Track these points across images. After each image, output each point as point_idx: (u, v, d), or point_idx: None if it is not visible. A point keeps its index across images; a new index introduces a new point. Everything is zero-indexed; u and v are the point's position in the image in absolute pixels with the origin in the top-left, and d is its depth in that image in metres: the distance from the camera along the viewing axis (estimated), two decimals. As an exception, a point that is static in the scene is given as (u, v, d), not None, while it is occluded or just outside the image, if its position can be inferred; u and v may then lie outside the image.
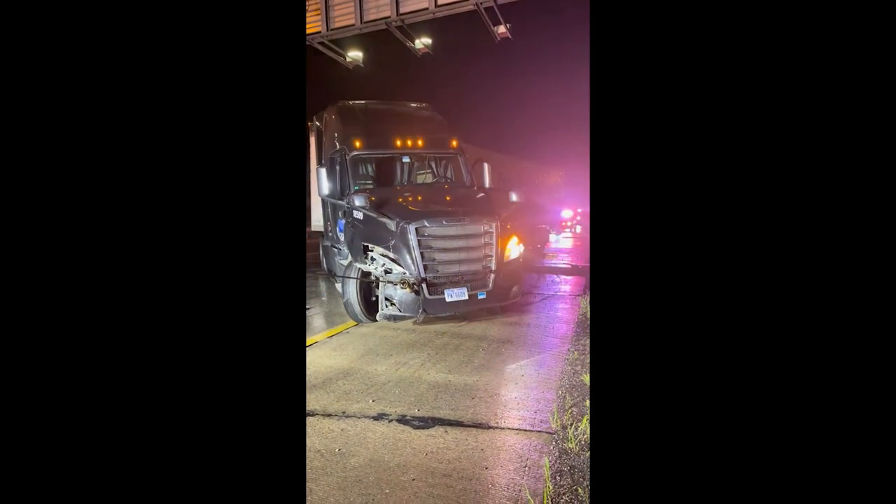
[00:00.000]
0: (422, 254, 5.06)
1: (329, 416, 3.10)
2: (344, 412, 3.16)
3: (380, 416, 3.08)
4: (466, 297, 5.12)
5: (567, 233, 22.77)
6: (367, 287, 5.40)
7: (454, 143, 6.55)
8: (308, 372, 3.95)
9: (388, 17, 9.49)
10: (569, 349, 4.50)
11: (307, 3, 9.89)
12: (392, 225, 5.17)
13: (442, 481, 2.32)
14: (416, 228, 5.04)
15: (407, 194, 5.94)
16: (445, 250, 5.19)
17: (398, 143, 6.24)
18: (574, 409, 3.10)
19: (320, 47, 10.71)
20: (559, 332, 5.21)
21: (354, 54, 11.76)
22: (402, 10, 9.36)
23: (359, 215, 5.57)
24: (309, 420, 3.03)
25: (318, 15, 10.03)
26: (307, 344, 4.78)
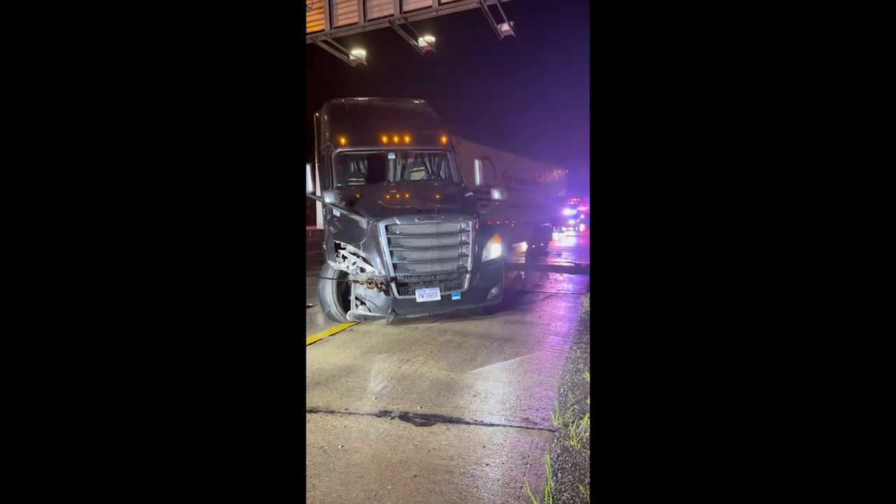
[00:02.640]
0: (391, 252, 4.93)
1: (332, 412, 3.12)
2: (346, 409, 3.18)
3: (382, 413, 3.10)
4: (439, 298, 4.99)
5: (571, 231, 22.70)
6: (346, 286, 5.32)
7: (444, 139, 6.37)
8: (311, 369, 3.98)
9: (392, 15, 9.50)
10: (571, 347, 4.51)
11: (311, 2, 9.91)
12: (363, 223, 5.07)
13: (443, 478, 2.34)
14: (387, 226, 4.92)
15: (394, 191, 5.82)
16: (417, 249, 5.05)
17: (384, 139, 6.10)
18: (576, 406, 3.11)
19: (324, 45, 10.74)
20: (561, 330, 5.22)
21: (358, 52, 11.79)
22: (405, 8, 9.37)
23: (337, 213, 5.49)
24: (312, 417, 3.06)
25: (321, 13, 10.05)
26: (310, 342, 4.80)
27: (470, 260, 5.17)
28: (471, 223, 5.20)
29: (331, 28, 10.09)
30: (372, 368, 4.00)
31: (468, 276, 5.17)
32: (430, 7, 9.17)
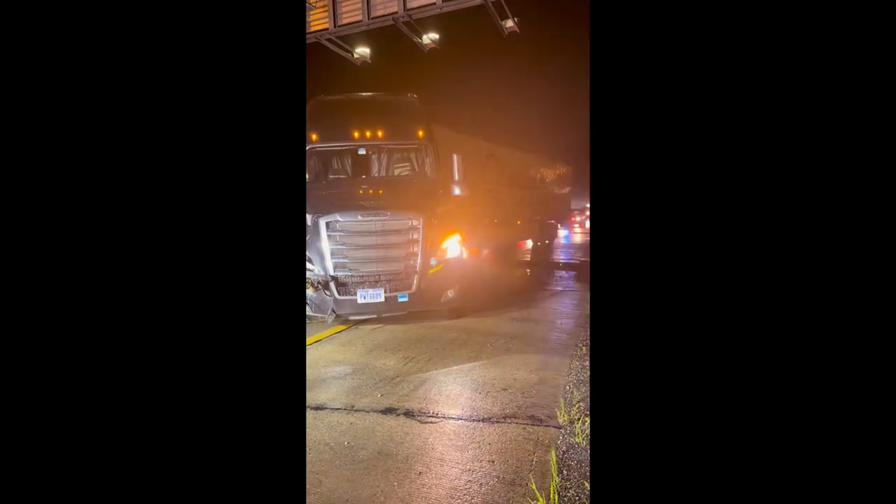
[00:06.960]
0: (332, 250, 4.80)
1: (337, 409, 3.14)
2: (353, 406, 3.19)
3: (388, 410, 3.11)
4: (383, 300, 4.85)
5: (576, 228, 22.63)
6: None
7: (420, 133, 6.07)
8: (316, 367, 4.00)
9: (396, 12, 9.49)
10: (576, 344, 4.50)
11: (314, 1, 9.92)
12: (308, 220, 4.92)
13: (449, 474, 2.35)
14: (328, 223, 4.80)
15: (365, 186, 5.69)
16: (361, 247, 4.90)
17: (356, 134, 5.90)
18: (581, 403, 3.11)
19: (328, 44, 10.75)
20: (567, 327, 5.21)
21: (362, 50, 11.79)
22: (409, 6, 9.37)
23: None
24: (318, 414, 3.08)
25: (325, 12, 10.07)
26: (315, 340, 4.83)
27: (420, 259, 5.00)
28: (422, 220, 4.99)
29: (335, 27, 10.10)
30: (377, 366, 4.01)
31: (417, 276, 5.00)
32: (434, 4, 9.15)
